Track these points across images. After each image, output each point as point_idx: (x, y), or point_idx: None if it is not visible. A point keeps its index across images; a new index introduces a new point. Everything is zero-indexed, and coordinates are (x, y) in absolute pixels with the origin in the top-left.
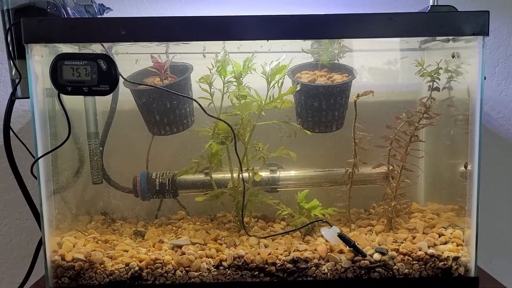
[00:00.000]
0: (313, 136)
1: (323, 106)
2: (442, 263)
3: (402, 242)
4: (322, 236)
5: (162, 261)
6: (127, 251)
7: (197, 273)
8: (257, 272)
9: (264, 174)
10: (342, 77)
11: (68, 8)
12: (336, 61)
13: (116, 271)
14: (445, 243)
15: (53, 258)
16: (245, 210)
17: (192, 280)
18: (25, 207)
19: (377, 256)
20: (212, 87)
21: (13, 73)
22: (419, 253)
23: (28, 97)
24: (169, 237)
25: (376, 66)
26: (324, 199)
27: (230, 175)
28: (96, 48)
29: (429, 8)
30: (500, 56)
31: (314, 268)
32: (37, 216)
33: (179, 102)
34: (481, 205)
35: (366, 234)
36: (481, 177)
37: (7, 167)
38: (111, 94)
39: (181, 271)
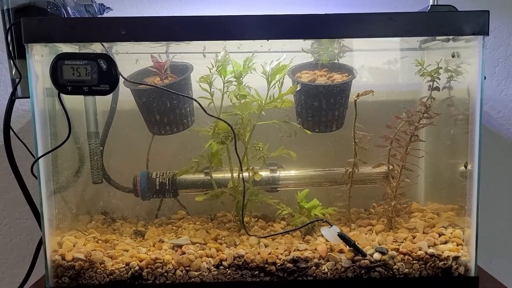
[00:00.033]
0: (313, 135)
1: (323, 106)
2: (442, 262)
3: (402, 242)
4: (322, 236)
5: (162, 260)
6: (127, 250)
7: (197, 273)
8: (257, 272)
9: (264, 173)
10: (342, 76)
11: (68, 8)
12: (336, 61)
13: (116, 270)
14: (445, 242)
15: (53, 258)
16: (245, 209)
17: (192, 279)
18: (25, 207)
19: (377, 256)
20: (212, 86)
21: (13, 73)
22: (419, 252)
23: (28, 97)
24: (169, 237)
25: (376, 65)
26: (324, 198)
27: (230, 174)
28: (96, 47)
29: (429, 8)
30: (500, 55)
31: (314, 267)
32: (37, 215)
33: (179, 102)
34: (481, 204)
35: (366, 234)
36: (481, 177)
37: (7, 166)
38: (111, 94)
39: (181, 271)
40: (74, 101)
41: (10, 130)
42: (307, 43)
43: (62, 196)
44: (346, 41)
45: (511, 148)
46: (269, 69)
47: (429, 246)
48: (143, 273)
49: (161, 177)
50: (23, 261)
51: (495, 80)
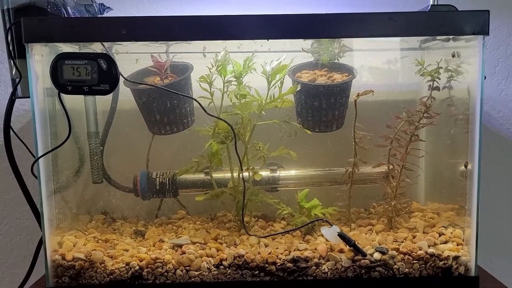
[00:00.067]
0: (313, 135)
1: (323, 106)
2: (442, 262)
3: (402, 242)
4: (322, 236)
5: (163, 260)
6: (127, 250)
7: (198, 273)
8: (257, 272)
9: (264, 173)
10: (342, 76)
11: (69, 8)
12: (336, 61)
13: (116, 270)
14: (445, 242)
15: (53, 258)
16: (245, 209)
17: (193, 279)
18: (26, 207)
19: (377, 256)
20: (212, 86)
21: (13, 73)
22: (419, 252)
23: (29, 97)
24: (169, 237)
25: (376, 65)
26: (324, 198)
27: (230, 174)
28: (96, 47)
29: (429, 8)
30: (500, 55)
31: (314, 267)
32: (38, 215)
33: (179, 102)
34: (481, 204)
35: (366, 234)
36: (481, 177)
37: (8, 166)
38: (111, 94)
39: (182, 271)
40: (74, 101)
41: (10, 130)
42: (307, 43)
43: (62, 196)
44: (346, 41)
45: (511, 147)
46: (269, 69)
47: (429, 246)
48: (143, 273)
49: (161, 177)
50: (23, 261)
51: (495, 79)
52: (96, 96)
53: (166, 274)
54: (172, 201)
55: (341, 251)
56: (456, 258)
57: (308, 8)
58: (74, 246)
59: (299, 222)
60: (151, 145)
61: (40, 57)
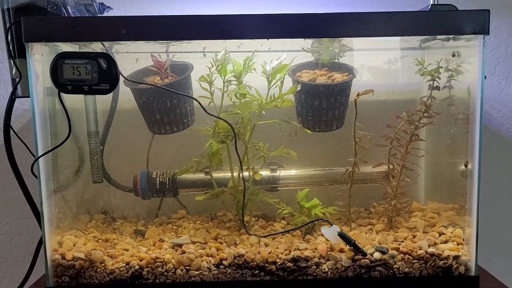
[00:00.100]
0: (314, 135)
1: (323, 105)
2: (443, 262)
3: (402, 241)
4: (323, 235)
5: (163, 260)
6: (127, 250)
7: (198, 272)
8: (257, 271)
9: (265, 173)
10: (342, 76)
11: (69, 7)
12: (336, 60)
13: (116, 270)
14: (446, 242)
15: (53, 257)
16: (245, 209)
17: (193, 279)
18: (26, 206)
19: (377, 255)
20: (212, 86)
21: (13, 72)
22: (420, 252)
23: (29, 96)
24: (169, 236)
25: (376, 65)
26: (324, 198)
27: (230, 174)
28: (96, 47)
29: (429, 7)
30: (500, 55)
31: (314, 267)
32: (38, 215)
33: (179, 101)
34: (481, 204)
35: (366, 233)
36: (482, 176)
37: (8, 166)
38: (111, 93)
39: (182, 270)
40: (74, 100)
41: (10, 130)
42: (307, 42)
43: (62, 195)
44: (346, 40)
45: (511, 147)
46: (269, 68)
47: (429, 246)
48: (143, 272)
49: (161, 176)
50: (23, 261)
51: (495, 79)
52: (96, 95)
53: (166, 273)
54: (172, 201)
55: (341, 250)
56: (456, 257)
57: (308, 8)
58: (74, 245)
59: (299, 221)
60: (151, 145)
61: (40, 57)
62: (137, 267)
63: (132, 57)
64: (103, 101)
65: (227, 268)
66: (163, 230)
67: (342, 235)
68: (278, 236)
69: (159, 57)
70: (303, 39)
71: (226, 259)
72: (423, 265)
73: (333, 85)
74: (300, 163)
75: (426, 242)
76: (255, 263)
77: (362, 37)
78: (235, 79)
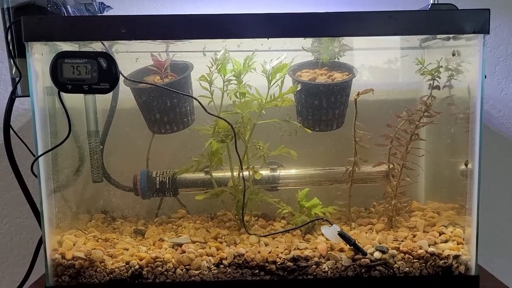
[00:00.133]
0: (314, 134)
1: (323, 105)
2: (443, 261)
3: (402, 241)
4: (323, 235)
5: (163, 259)
6: (127, 249)
7: (198, 272)
8: (257, 271)
9: (265, 172)
10: (342, 75)
11: (68, 7)
12: (336, 60)
13: (116, 269)
14: (446, 241)
15: (53, 257)
16: (245, 208)
17: (193, 278)
18: (26, 206)
19: (377, 255)
20: (212, 85)
21: (13, 72)
22: (420, 251)
23: (28, 96)
24: (169, 236)
25: (376, 64)
26: (324, 197)
27: (230, 173)
28: (96, 47)
29: (429, 6)
30: (500, 54)
31: (314, 266)
32: (38, 214)
33: (179, 101)
34: (481, 203)
35: (366, 233)
36: (482, 176)
37: (7, 165)
38: (111, 93)
39: (182, 270)
40: (74, 100)
41: (10, 129)
42: (308, 42)
43: (62, 195)
44: (346, 40)
45: (511, 147)
46: (269, 68)
47: (429, 245)
48: (143, 272)
49: (161, 176)
50: (23, 260)
51: (495, 79)
52: (96, 95)
53: (166, 273)
54: (172, 200)
55: (341, 250)
56: (456, 257)
57: (308, 7)
58: (74, 245)
59: (299, 221)
60: (151, 144)
61: (40, 56)
62: (137, 266)
63: (132, 56)
64: (103, 100)
65: (227, 268)
66: (163, 229)
67: (342, 235)
68: (278, 235)
69: (159, 57)
70: (303, 38)
71: (226, 258)
72: (423, 264)
73: (333, 85)
74: (300, 163)
75: (426, 241)
76: (255, 263)
77: (362, 37)
78: (235, 78)
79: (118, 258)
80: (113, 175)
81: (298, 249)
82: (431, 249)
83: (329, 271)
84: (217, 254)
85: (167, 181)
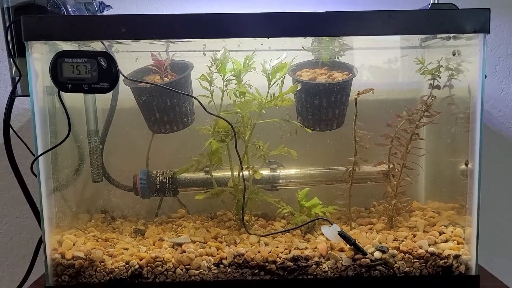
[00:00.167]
0: (314, 134)
1: (323, 104)
2: (443, 261)
3: (402, 240)
4: (323, 234)
5: (162, 259)
6: (127, 249)
7: (197, 271)
8: (257, 270)
9: (265, 172)
10: (342, 75)
11: (68, 6)
12: (336, 59)
13: (116, 269)
14: (446, 241)
15: (53, 256)
16: (245, 208)
17: (192, 278)
18: (25, 206)
19: (377, 254)
20: (212, 85)
21: (13, 71)
22: (420, 251)
23: (28, 95)
24: (169, 235)
25: (376, 64)
26: (324, 197)
27: (230, 173)
28: (96, 46)
29: (429, 6)
30: (501, 54)
31: (314, 266)
32: (37, 214)
33: (179, 100)
34: (482, 203)
35: (366, 232)
36: (482, 176)
37: (7, 165)
38: (111, 92)
39: (181, 269)
40: (74, 99)
41: (10, 129)
42: (308, 41)
43: (62, 194)
44: (347, 39)
45: (511, 147)
46: (269, 67)
47: (429, 245)
48: (143, 272)
49: (161, 175)
50: (23, 260)
51: (496, 78)
52: (96, 94)
53: (166, 272)
54: (172, 200)
55: (341, 250)
56: (456, 257)
57: (308, 6)
58: (73, 244)
59: (299, 221)
60: (151, 144)
61: (39, 55)
62: (137, 266)
63: (132, 56)
64: (103, 100)
65: (227, 268)
66: (163, 229)
67: (342, 234)
68: (278, 235)
69: (159, 56)
70: (303, 38)
71: (226, 258)
72: (424, 264)
73: (333, 84)
74: (300, 162)
75: (427, 241)
76: (255, 262)
77: (362, 36)
78: (234, 78)
79: (118, 258)
80: (113, 174)
81: (298, 248)
82: (431, 249)
83: (329, 271)
84: (217, 254)
85: (167, 181)
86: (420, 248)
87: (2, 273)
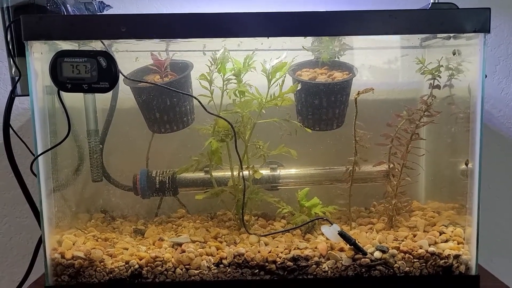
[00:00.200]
0: (314, 134)
1: (323, 104)
2: (443, 261)
3: (402, 240)
4: (323, 234)
5: (162, 259)
6: (127, 249)
7: (197, 271)
8: (257, 270)
9: (265, 172)
10: (342, 75)
11: (68, 6)
12: (336, 59)
13: (116, 269)
14: (446, 241)
15: (52, 256)
16: (245, 208)
17: (192, 278)
18: (25, 205)
19: (377, 254)
20: (212, 84)
21: (12, 71)
22: (420, 251)
23: (28, 95)
24: (169, 235)
25: (376, 64)
26: (324, 197)
27: (230, 173)
28: (96, 46)
29: (430, 5)
30: (501, 54)
31: (314, 266)
32: (37, 214)
33: (179, 100)
34: (482, 203)
35: (366, 232)
36: (482, 176)
37: (7, 165)
38: (111, 92)
39: (181, 269)
40: (73, 99)
41: (10, 128)
42: (308, 41)
43: (61, 194)
44: (347, 39)
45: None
46: (269, 67)
47: (429, 245)
48: (143, 272)
49: (161, 175)
50: (23, 260)
51: (496, 78)
52: (95, 94)
53: (165, 272)
54: (172, 200)
55: (341, 249)
56: (456, 257)
57: (308, 6)
58: (73, 244)
59: (299, 220)
60: (151, 144)
61: (39, 55)
62: (136, 266)
63: (132, 55)
64: (102, 99)
65: (227, 267)
66: (162, 229)
67: (342, 234)
68: (278, 235)
69: (159, 56)
70: (303, 37)
71: (226, 258)
72: (424, 264)
73: (333, 84)
74: (300, 162)
75: (427, 241)
76: (255, 262)
77: (362, 36)
78: (234, 77)
79: (118, 258)
80: (113, 174)
81: (298, 248)
82: (431, 248)
83: (329, 271)
84: (217, 254)
85: (167, 181)
86: (420, 248)
87: (1, 273)
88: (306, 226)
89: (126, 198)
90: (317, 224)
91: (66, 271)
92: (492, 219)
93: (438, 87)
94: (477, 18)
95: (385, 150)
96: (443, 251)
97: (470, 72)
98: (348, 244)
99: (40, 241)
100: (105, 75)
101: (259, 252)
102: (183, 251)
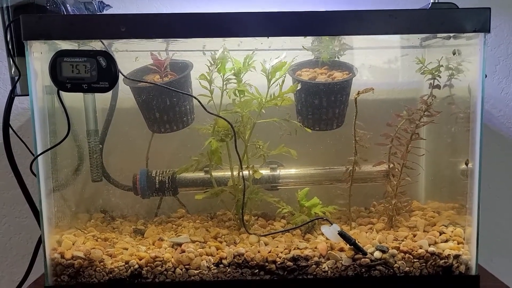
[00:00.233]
0: (314, 134)
1: (323, 104)
2: (443, 261)
3: (402, 240)
4: (323, 234)
5: (162, 259)
6: (126, 249)
7: (197, 271)
8: (257, 270)
9: (264, 172)
10: (342, 74)
11: (68, 5)
12: (336, 59)
13: (115, 269)
14: (446, 241)
15: (52, 256)
16: (245, 208)
17: (192, 278)
18: (25, 205)
19: (377, 254)
20: (212, 84)
21: (12, 71)
22: (420, 251)
23: (28, 95)
24: (169, 235)
25: (376, 64)
26: (324, 197)
27: (230, 173)
28: (96, 45)
29: (430, 5)
30: (501, 54)
31: (314, 266)
32: (37, 214)
33: (179, 100)
34: (482, 203)
35: (366, 232)
36: (482, 175)
37: (7, 165)
38: (110, 92)
39: (181, 269)
40: (73, 99)
41: (10, 128)
42: (308, 41)
43: (61, 194)
44: (347, 39)
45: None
46: (269, 66)
47: (429, 245)
48: (143, 271)
49: (160, 175)
50: (22, 260)
51: (496, 78)
52: (95, 93)
53: (165, 272)
54: (171, 200)
55: (341, 249)
56: (456, 256)
57: (308, 6)
58: (73, 244)
59: (299, 220)
60: (151, 143)
61: (39, 55)
62: (136, 266)
63: (132, 55)
64: (102, 99)
65: (227, 267)
66: (162, 229)
67: (342, 234)
68: (278, 235)
69: (159, 56)
70: (303, 37)
71: (225, 258)
72: (424, 264)
73: (333, 84)
74: (300, 162)
75: (427, 241)
76: (255, 262)
77: (362, 35)
78: (234, 77)
79: (118, 258)
80: (113, 174)
81: (298, 248)
82: (431, 248)
83: (329, 271)
84: (217, 254)
85: (167, 181)
86: (420, 248)
87: (1, 273)
88: (306, 226)
89: (126, 198)
90: (317, 224)
91: (65, 271)
92: (492, 219)
93: (438, 87)
94: (477, 18)
95: (385, 150)
96: (443, 251)
97: (470, 72)
98: (348, 244)
99: (40, 241)
100: (104, 75)
101: (259, 252)
102: (183, 251)
